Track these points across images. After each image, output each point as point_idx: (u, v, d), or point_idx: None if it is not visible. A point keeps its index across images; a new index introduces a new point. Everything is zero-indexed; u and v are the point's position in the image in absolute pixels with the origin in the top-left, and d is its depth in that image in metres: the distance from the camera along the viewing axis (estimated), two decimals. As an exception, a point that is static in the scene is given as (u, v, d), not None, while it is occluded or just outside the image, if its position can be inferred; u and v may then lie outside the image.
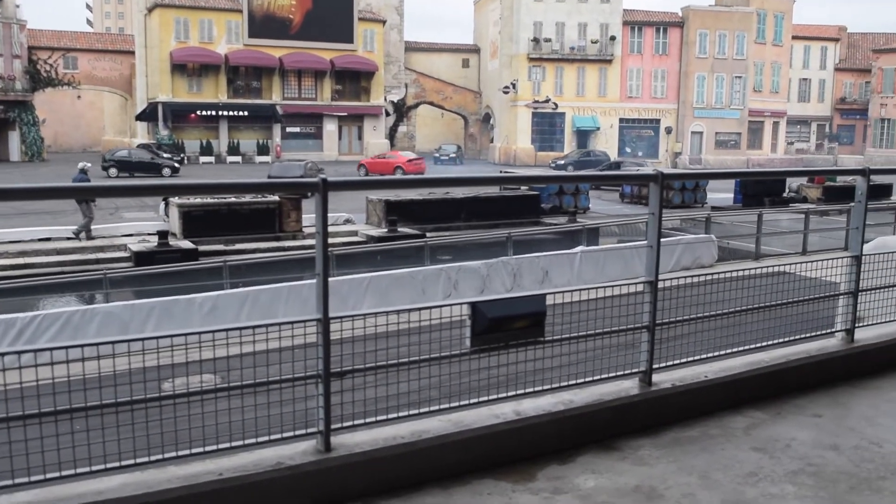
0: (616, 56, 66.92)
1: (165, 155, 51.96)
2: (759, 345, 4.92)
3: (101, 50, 67.44)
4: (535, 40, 65.81)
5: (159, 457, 3.14)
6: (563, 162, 58.16)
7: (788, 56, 74.30)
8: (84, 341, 3.08)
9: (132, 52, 65.19)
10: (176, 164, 49.88)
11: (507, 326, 3.82)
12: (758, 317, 4.83)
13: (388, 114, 68.59)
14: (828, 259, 5.26)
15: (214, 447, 3.24)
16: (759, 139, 71.84)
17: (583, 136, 67.49)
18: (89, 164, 24.52)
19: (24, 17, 62.96)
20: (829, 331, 5.32)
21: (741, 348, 4.82)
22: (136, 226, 23.31)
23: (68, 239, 21.62)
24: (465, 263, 15.22)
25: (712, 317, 4.59)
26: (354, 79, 65.48)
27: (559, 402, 4.08)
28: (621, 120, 68.36)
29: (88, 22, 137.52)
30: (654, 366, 4.36)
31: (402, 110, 70.50)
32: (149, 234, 21.48)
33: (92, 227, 21.69)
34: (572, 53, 66.43)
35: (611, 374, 4.26)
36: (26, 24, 62.39)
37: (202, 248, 20.10)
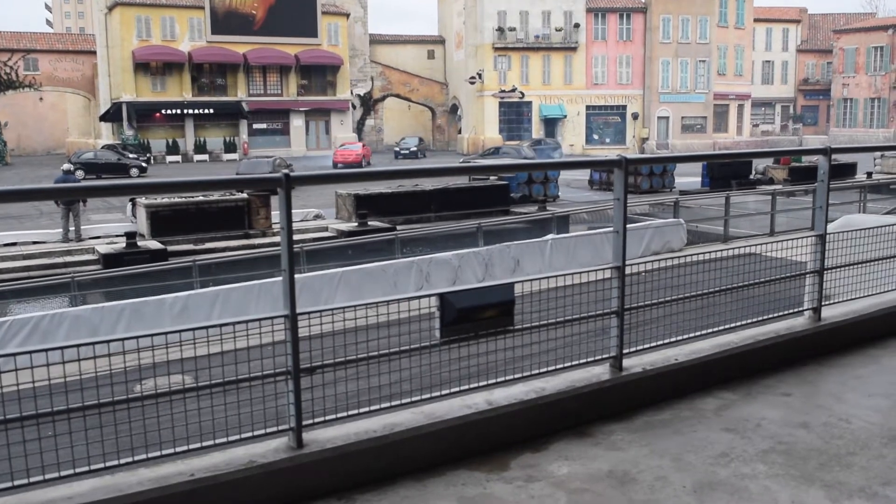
0: (581, 43, 67.11)
1: (132, 155, 51.59)
2: (728, 326, 4.97)
3: (61, 51, 66.63)
4: (500, 29, 65.84)
5: (129, 459, 3.11)
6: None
7: (751, 39, 74.97)
8: (51, 345, 3.04)
9: (94, 52, 64.42)
10: (143, 164, 49.64)
11: (476, 316, 3.83)
12: (727, 298, 4.87)
13: (354, 107, 68.32)
14: (794, 239, 5.31)
15: (185, 448, 3.22)
16: (724, 122, 72.44)
17: (550, 124, 67.66)
18: (72, 166, 24.18)
19: (-19, 19, 61.97)
20: (796, 310, 5.37)
21: (711, 330, 4.86)
22: (103, 227, 23.05)
23: (34, 243, 21.35)
24: (437, 255, 15.22)
25: (681, 300, 4.62)
26: (320, 73, 65.13)
27: (531, 390, 4.09)
28: (588, 107, 68.59)
29: (48, 22, 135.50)
30: (625, 351, 4.38)
31: (368, 103, 70.24)
32: (116, 236, 21.25)
33: (70, 228, 21.49)
34: (537, 42, 66.53)
35: (582, 361, 4.27)
36: (-17, 26, 61.39)
37: (171, 248, 19.93)
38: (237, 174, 40.69)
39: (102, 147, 53.85)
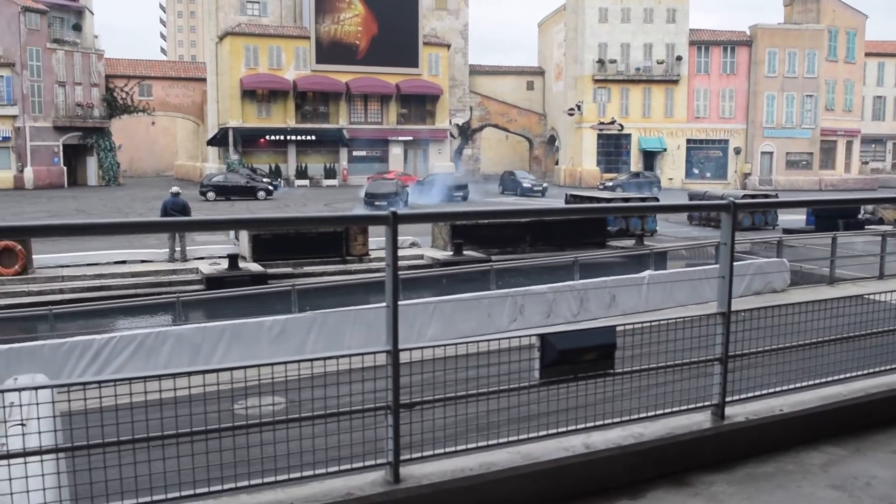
0: (683, 76, 66.28)
1: (265, 179, 53.03)
2: (836, 377, 4.77)
3: (174, 77, 69.54)
4: (601, 62, 65.61)
5: (232, 485, 3.18)
6: (611, 183, 57.44)
7: (862, 73, 72.58)
8: (158, 372, 3.16)
9: (204, 79, 67.05)
10: (271, 188, 50.73)
11: (576, 358, 3.79)
12: (835, 347, 4.69)
13: (453, 136, 68.97)
14: (907, 287, 5.08)
15: (286, 476, 3.27)
16: (831, 159, 70.19)
17: (649, 157, 66.86)
18: (180, 189, 24.89)
19: (102, 47, 65.32)
20: (910, 362, 5.14)
21: (818, 381, 4.67)
22: (207, 249, 23.78)
23: (142, 262, 22.19)
24: (531, 288, 15.15)
25: (788, 348, 4.48)
26: (420, 102, 66.09)
27: (629, 435, 4.02)
28: (688, 141, 67.54)
29: (162, 50, 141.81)
30: (727, 398, 4.26)
31: (466, 133, 70.82)
32: (220, 257, 21.89)
33: (176, 248, 22.30)
34: (638, 74, 66.02)
35: (682, 407, 4.17)
36: (104, 53, 64.69)
37: (271, 271, 20.42)
38: (366, 193, 41.94)
39: (228, 170, 55.65)
